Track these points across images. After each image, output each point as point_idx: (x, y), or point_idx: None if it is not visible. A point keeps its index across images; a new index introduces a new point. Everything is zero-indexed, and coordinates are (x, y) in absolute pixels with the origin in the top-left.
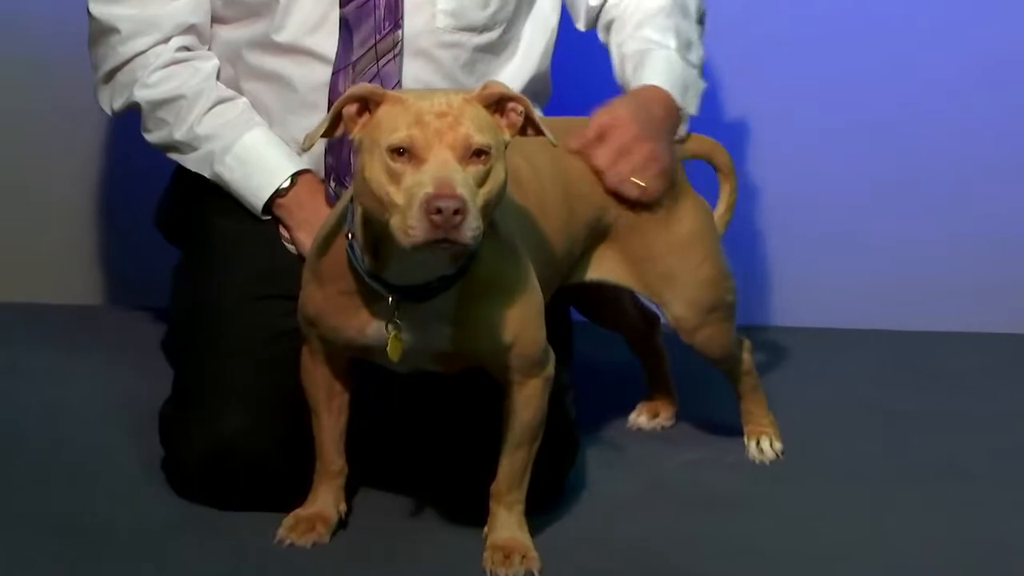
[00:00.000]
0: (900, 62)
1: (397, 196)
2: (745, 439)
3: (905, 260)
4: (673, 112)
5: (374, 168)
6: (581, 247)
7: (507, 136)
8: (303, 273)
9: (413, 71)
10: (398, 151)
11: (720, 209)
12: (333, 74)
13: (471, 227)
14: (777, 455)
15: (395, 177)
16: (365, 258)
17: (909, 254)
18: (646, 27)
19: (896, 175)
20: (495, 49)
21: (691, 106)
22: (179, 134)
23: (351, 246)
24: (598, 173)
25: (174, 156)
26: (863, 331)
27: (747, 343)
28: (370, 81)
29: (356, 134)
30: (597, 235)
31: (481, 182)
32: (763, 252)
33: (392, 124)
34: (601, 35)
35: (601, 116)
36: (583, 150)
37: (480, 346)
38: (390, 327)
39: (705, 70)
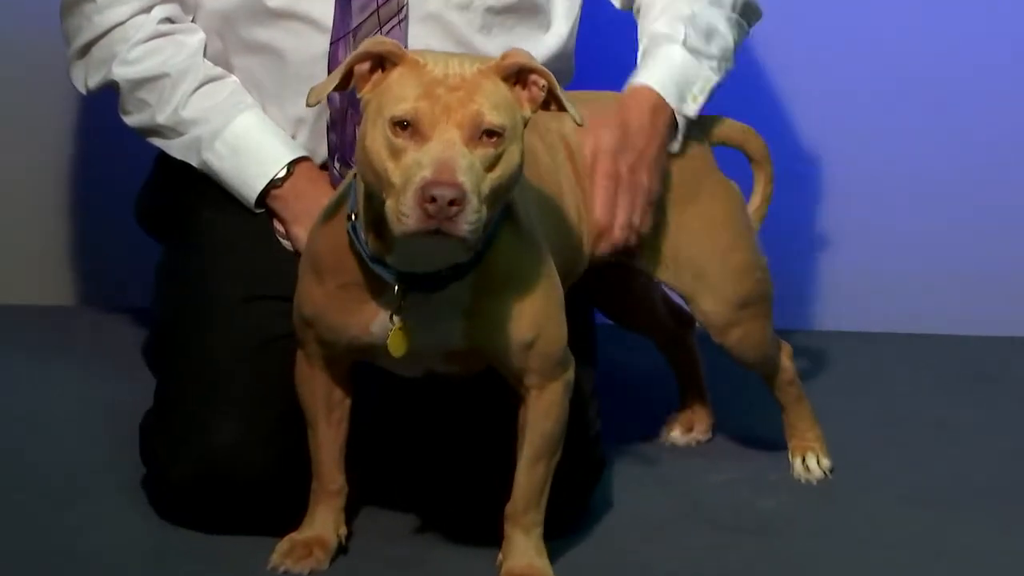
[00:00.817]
0: (950, 43)
1: (394, 175)
2: (790, 455)
3: (962, 260)
4: (661, 115)
5: (375, 138)
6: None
7: (527, 112)
8: (299, 267)
9: (422, 37)
10: (401, 124)
11: (755, 201)
12: (331, 44)
13: (468, 220)
14: (825, 473)
15: (395, 153)
16: (368, 239)
17: (965, 253)
18: (663, 17)
19: (956, 170)
20: (515, 10)
21: (689, 107)
22: (162, 117)
23: (353, 227)
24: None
25: (157, 141)
26: (916, 335)
27: (788, 348)
28: None
29: (365, 94)
30: None
31: (490, 166)
32: (806, 250)
33: (400, 92)
34: (637, 19)
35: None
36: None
37: (496, 343)
38: (394, 318)
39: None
